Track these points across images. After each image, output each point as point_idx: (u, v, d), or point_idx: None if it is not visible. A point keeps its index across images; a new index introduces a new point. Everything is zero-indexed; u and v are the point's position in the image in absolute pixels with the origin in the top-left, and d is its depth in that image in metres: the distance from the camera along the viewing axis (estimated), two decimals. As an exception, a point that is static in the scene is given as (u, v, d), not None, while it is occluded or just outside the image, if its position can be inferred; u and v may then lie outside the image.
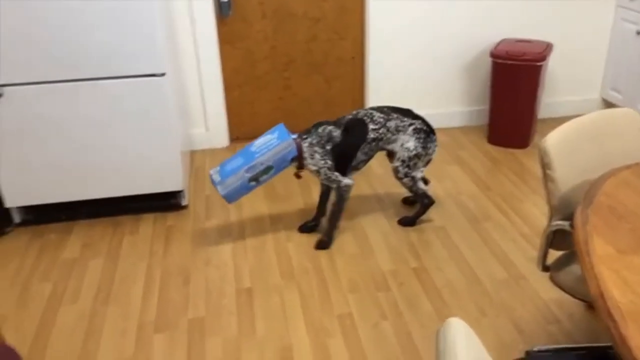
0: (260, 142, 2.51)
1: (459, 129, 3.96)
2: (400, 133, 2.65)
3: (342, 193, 2.62)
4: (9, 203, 2.83)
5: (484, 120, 3.97)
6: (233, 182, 2.49)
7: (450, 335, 0.99)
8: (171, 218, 2.99)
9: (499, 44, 3.61)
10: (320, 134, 2.54)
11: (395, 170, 2.70)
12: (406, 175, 2.70)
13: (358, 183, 3.29)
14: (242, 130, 3.85)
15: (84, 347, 2.16)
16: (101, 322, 2.28)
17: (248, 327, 2.24)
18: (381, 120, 2.62)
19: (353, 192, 3.19)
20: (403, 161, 2.67)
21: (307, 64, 3.74)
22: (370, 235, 2.80)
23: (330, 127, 2.56)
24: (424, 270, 2.55)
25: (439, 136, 3.86)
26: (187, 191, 3.12)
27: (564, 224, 1.77)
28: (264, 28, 3.59)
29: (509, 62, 3.45)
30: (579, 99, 4.08)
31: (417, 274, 2.53)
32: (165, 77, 2.73)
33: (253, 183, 2.51)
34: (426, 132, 2.69)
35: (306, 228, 2.83)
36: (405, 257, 2.64)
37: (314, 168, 2.56)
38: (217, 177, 2.50)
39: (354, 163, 2.65)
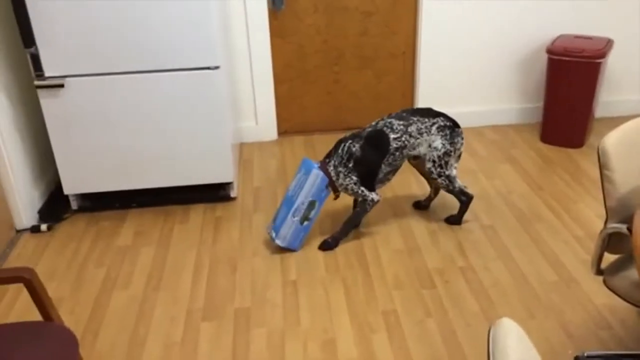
0: (293, 185, 2.60)
1: (512, 127, 3.87)
2: (425, 135, 2.59)
3: (367, 207, 2.63)
4: (67, 190, 2.95)
5: (538, 118, 3.87)
6: (287, 231, 2.57)
7: (501, 335, 0.98)
8: (220, 209, 3.05)
9: (556, 39, 3.50)
10: (340, 153, 2.53)
11: (429, 172, 2.67)
12: (440, 175, 2.66)
13: (407, 182, 3.27)
14: (290, 124, 3.88)
15: (135, 331, 2.23)
16: (151, 308, 2.35)
17: (292, 319, 2.27)
18: (401, 127, 2.57)
19: (402, 190, 3.17)
20: (434, 162, 2.63)
21: (358, 58, 3.73)
22: (417, 232, 2.78)
23: (348, 143, 2.54)
24: (471, 269, 2.51)
25: (491, 134, 3.78)
26: (236, 183, 3.17)
27: (621, 227, 1.70)
28: (316, 22, 3.60)
29: (567, 58, 3.35)
30: (639, 98, 3.91)
31: (464, 272, 2.50)
32: (219, 70, 2.78)
33: (306, 223, 2.58)
34: (450, 128, 2.63)
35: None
36: (452, 255, 2.61)
37: (342, 187, 2.58)
38: (273, 234, 2.61)
39: (380, 176, 2.62)
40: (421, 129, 2.59)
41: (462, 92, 3.81)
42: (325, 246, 2.66)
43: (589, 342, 2.09)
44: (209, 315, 2.30)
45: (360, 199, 2.61)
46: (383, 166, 2.59)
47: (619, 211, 1.73)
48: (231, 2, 3.43)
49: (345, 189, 2.58)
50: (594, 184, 3.13)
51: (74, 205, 3.03)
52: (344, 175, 2.53)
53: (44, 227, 2.87)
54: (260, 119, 3.76)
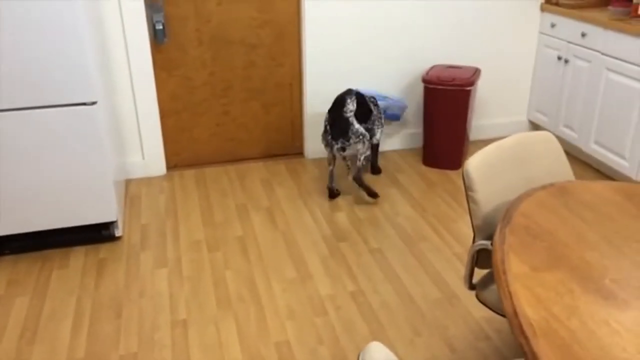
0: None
1: (396, 152, 4.05)
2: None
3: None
4: None
5: (420, 142, 4.08)
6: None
7: (371, 357, 1.01)
8: (104, 250, 2.91)
9: (430, 69, 3.74)
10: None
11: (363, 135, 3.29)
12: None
13: (299, 211, 3.30)
14: (179, 157, 3.81)
15: (7, 390, 2.06)
16: (26, 362, 2.18)
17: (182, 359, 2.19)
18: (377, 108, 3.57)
19: (294, 220, 3.20)
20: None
21: (246, 89, 3.76)
22: (309, 261, 2.81)
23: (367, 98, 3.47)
24: (361, 293, 2.58)
25: (379, 160, 3.93)
26: (121, 221, 3.05)
27: (486, 244, 1.83)
28: (201, 54, 3.59)
29: (440, 87, 3.58)
30: (507, 121, 4.26)
31: (354, 297, 2.55)
32: (96, 105, 2.68)
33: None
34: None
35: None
36: (343, 280, 2.66)
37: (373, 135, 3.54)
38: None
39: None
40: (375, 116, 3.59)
41: (348, 121, 3.95)
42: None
43: (470, 355, 2.21)
44: (92, 364, 2.18)
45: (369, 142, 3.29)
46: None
47: (484, 229, 1.86)
48: (111, 36, 3.34)
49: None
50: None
51: None
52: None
53: None
54: (147, 153, 3.66)
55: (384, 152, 4.04)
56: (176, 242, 2.98)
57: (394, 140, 4.07)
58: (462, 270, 2.73)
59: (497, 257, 1.53)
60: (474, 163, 1.89)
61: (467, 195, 1.88)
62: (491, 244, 1.80)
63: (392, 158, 3.95)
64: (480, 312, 2.43)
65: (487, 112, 4.19)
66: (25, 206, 2.75)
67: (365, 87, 3.65)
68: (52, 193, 2.76)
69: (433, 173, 3.73)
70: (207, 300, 2.53)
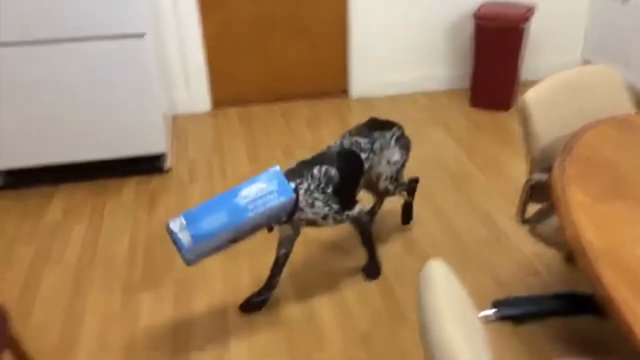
0: (253, 193, 1.83)
1: (442, 92, 3.97)
2: (385, 150, 2.28)
3: (363, 222, 2.21)
4: (-11, 167, 2.81)
5: (467, 83, 3.99)
6: (207, 247, 1.78)
7: (429, 275, 1.01)
8: (154, 181, 2.98)
9: (481, 6, 3.60)
10: (317, 176, 2.04)
11: (384, 190, 2.36)
12: (396, 187, 2.39)
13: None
14: (224, 95, 3.82)
15: (71, 305, 2.17)
16: (87, 282, 2.29)
17: (234, 283, 2.26)
18: (368, 146, 2.22)
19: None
20: (392, 178, 2.33)
21: (292, 26, 3.70)
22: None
23: (325, 167, 2.06)
24: (407, 229, 2.58)
25: (422, 100, 3.87)
26: (170, 155, 3.11)
27: (543, 177, 1.80)
28: (246, -10, 3.54)
29: (492, 24, 3.45)
30: (561, 61, 4.09)
31: (400, 232, 2.56)
32: (145, 37, 2.69)
33: (231, 244, 1.88)
34: (403, 134, 2.39)
35: (253, 305, 2.16)
36: (389, 216, 2.67)
37: (315, 217, 2.06)
38: (186, 240, 1.73)
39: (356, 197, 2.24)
40: (383, 144, 2.28)
41: (394, 60, 3.87)
42: (372, 273, 2.31)
43: (519, 289, 2.21)
44: (148, 286, 2.27)
45: (350, 222, 2.18)
46: (358, 188, 2.24)
47: (541, 162, 1.83)
48: (157, -31, 3.32)
49: (324, 219, 2.07)
50: (521, 144, 3.27)
51: (-3, 182, 2.88)
52: (323, 203, 2.03)
53: (-35, 207, 2.73)
54: (193, 90, 3.68)
55: (429, 92, 3.96)
56: (223, 176, 3.03)
57: (439, 80, 3.98)
58: (511, 210, 2.70)
59: (557, 187, 1.50)
60: (533, 94, 1.83)
61: (523, 128, 1.84)
62: (549, 177, 1.77)
63: (438, 98, 3.88)
64: (530, 249, 2.41)
65: (539, 51, 4.03)
66: (79, 137, 2.82)
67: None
68: (105, 124, 2.82)
69: (481, 114, 3.65)
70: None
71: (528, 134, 1.82)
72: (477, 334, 0.96)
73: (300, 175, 2.02)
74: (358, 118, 3.63)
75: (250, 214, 1.79)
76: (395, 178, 2.36)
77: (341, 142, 2.22)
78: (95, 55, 2.66)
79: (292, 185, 1.95)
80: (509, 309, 1.22)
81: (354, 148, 2.19)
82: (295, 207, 1.96)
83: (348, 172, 2.12)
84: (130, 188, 2.92)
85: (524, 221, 1.93)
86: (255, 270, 2.34)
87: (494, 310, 1.23)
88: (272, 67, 3.81)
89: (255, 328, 2.07)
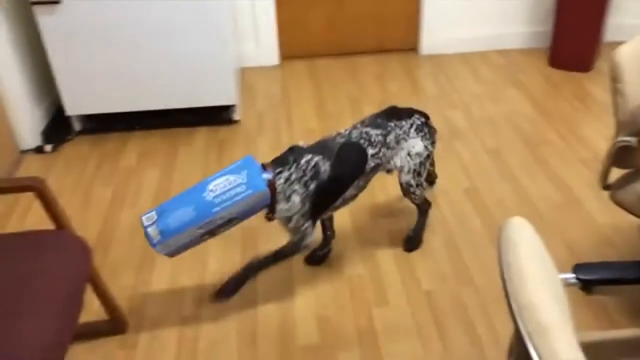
0: (220, 186, 1.72)
1: (519, 51, 3.79)
2: (402, 142, 2.01)
3: (298, 249, 1.95)
4: (68, 111, 2.92)
5: (546, 42, 3.78)
6: (178, 241, 1.72)
7: (512, 231, 0.98)
8: (223, 132, 3.03)
9: (569, -42, 3.37)
10: (304, 167, 1.82)
11: (407, 186, 2.06)
12: (418, 185, 2.07)
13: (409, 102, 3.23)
14: (292, 48, 3.79)
15: (146, 246, 2.26)
16: (159, 226, 2.38)
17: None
18: (380, 139, 1.96)
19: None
20: (415, 171, 2.04)
21: (362, -21, 3.61)
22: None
23: (317, 159, 1.84)
24: (475, 190, 2.53)
25: (497, 58, 3.71)
26: (239, 106, 3.14)
27: (631, 140, 1.70)
28: (319, -61, 3.45)
29: (579, -22, 3.24)
30: (651, 22, 3.82)
31: (468, 193, 2.51)
32: (219, -14, 2.69)
33: (207, 237, 1.78)
34: (426, 123, 2.08)
35: (317, 259, 2.17)
36: (457, 176, 2.62)
37: (287, 214, 1.85)
38: (154, 234, 1.69)
39: (337, 202, 1.96)
40: (399, 135, 2.00)
41: (468, 15, 3.71)
42: (222, 294, 1.98)
43: (591, 258, 2.14)
44: (216, 232, 2.33)
45: (295, 237, 1.91)
46: (350, 189, 1.95)
47: (629, 125, 1.72)
48: None
49: (288, 219, 1.86)
50: (602, 108, 3.10)
51: (76, 126, 3.00)
52: (299, 197, 1.82)
53: (48, 147, 2.87)
54: (262, 42, 3.68)
55: (506, 51, 3.79)
56: (290, 129, 3.04)
57: (516, 38, 3.80)
58: (587, 175, 2.59)
59: (648, 151, 1.42)
60: (626, 51, 1.72)
61: (613, 87, 1.73)
62: (638, 141, 1.67)
63: (514, 57, 3.71)
64: (606, 219, 2.31)
65: (625, 11, 3.76)
66: (153, 86, 2.89)
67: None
68: (177, 74, 2.87)
69: (559, 75, 3.47)
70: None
71: (617, 94, 1.71)
72: (560, 296, 0.93)
73: (285, 163, 1.82)
74: (426, 74, 3.54)
75: (217, 209, 1.69)
76: (419, 172, 2.05)
77: (349, 133, 1.95)
78: (173, 7, 2.69)
79: (268, 175, 1.77)
80: (590, 273, 1.17)
81: (362, 141, 1.93)
82: (274, 199, 1.78)
83: (342, 168, 1.88)
84: (201, 137, 2.99)
85: (606, 187, 1.84)
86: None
87: (573, 274, 1.19)
88: (341, 20, 3.73)
89: (319, 280, 2.10)
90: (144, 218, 1.72)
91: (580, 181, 2.55)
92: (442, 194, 2.50)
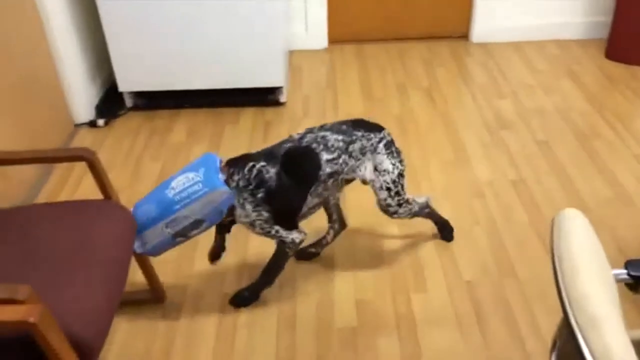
0: (180, 184, 1.71)
1: (575, 41, 3.67)
2: (368, 154, 1.88)
3: (286, 250, 1.88)
4: (121, 88, 3.00)
5: (604, 33, 3.65)
6: (152, 239, 1.74)
7: (566, 221, 0.97)
8: (269, 113, 3.05)
9: (634, -55, 3.23)
10: (247, 176, 1.75)
11: (386, 206, 1.94)
12: (400, 204, 1.94)
13: (457, 90, 3.18)
14: (340, 32, 3.77)
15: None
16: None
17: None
18: (341, 145, 1.83)
19: (451, 101, 3.09)
20: (389, 189, 1.90)
21: (416, -37, 3.55)
22: (468, 145, 2.74)
23: (259, 166, 1.75)
24: (522, 182, 2.48)
25: (552, 48, 3.61)
26: (286, 88, 3.15)
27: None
28: None
29: (644, -34, 3.10)
30: None
31: (515, 185, 2.47)
32: (272, -33, 2.69)
33: (180, 239, 1.77)
34: (393, 142, 1.95)
35: (306, 255, 2.13)
36: (503, 167, 2.57)
37: (246, 220, 1.80)
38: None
39: (304, 210, 1.87)
40: (365, 147, 1.87)
41: (523, 2, 3.61)
42: (240, 301, 1.97)
43: (641, 257, 2.07)
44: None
45: (275, 240, 1.87)
46: (309, 198, 1.85)
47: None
48: None
49: (251, 225, 1.81)
50: (660, 103, 2.99)
51: (128, 102, 3.08)
52: (251, 205, 1.76)
53: (100, 122, 2.95)
54: (311, 25, 3.67)
55: (560, 41, 3.67)
56: (335, 113, 3.04)
57: (573, 28, 3.68)
58: (641, 172, 2.50)
59: None
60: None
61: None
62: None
63: (570, 47, 3.60)
64: (658, 217, 2.24)
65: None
66: (202, 65, 2.93)
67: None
68: (227, 55, 2.90)
69: (617, 67, 3.35)
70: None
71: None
72: (613, 291, 0.91)
73: (237, 166, 1.76)
74: (476, 62, 3.47)
75: (177, 207, 1.67)
76: (396, 191, 1.91)
77: (301, 137, 1.84)
78: (224, -17, 2.71)
79: (223, 177, 1.71)
80: (643, 271, 1.14)
81: (315, 144, 1.80)
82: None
83: (292, 176, 1.77)
84: (247, 117, 3.02)
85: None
86: (355, 206, 2.36)
87: (624, 269, 1.16)
88: (391, 5, 3.69)
89: (359, 265, 2.11)
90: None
91: (632, 177, 2.47)
92: (488, 185, 2.47)
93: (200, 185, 1.68)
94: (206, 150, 2.75)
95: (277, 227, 1.82)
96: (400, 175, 1.92)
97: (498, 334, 1.84)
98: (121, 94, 3.04)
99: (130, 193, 2.48)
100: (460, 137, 2.79)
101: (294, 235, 1.85)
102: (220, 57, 2.91)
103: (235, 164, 1.77)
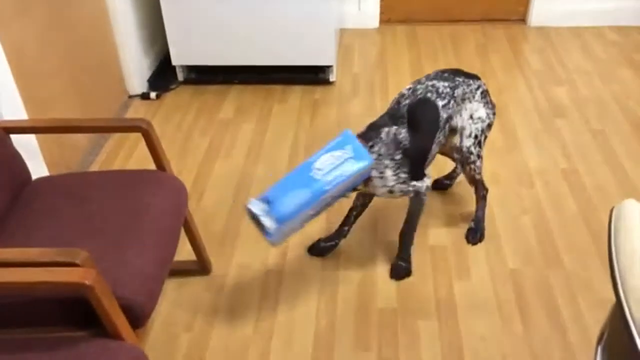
0: (327, 164, 1.67)
1: (635, 28, 3.51)
2: (467, 101, 1.93)
3: (423, 200, 1.92)
4: (174, 61, 3.05)
5: (670, 20, 3.48)
6: (291, 226, 1.68)
7: (627, 213, 0.94)
8: (319, 91, 3.06)
9: None
10: (386, 141, 1.78)
11: (467, 152, 1.96)
12: (479, 155, 1.98)
13: (511, 75, 3.10)
14: (393, 12, 3.72)
15: (236, 195, 2.36)
16: (252, 177, 2.46)
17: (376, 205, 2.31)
18: (448, 91, 1.88)
19: (504, 87, 3.02)
20: (476, 137, 1.94)
21: (473, -58, 3.45)
22: (520, 132, 2.68)
23: (393, 129, 1.79)
24: (574, 172, 2.41)
25: (612, 35, 3.47)
26: (336, 67, 3.14)
27: None
28: None
29: None
30: None
31: (566, 175, 2.40)
32: (327, -56, 2.67)
33: (313, 218, 1.74)
34: (488, 92, 2.01)
35: (319, 249, 2.12)
36: (555, 156, 2.51)
37: (384, 189, 1.84)
38: (269, 224, 1.61)
39: (428, 159, 1.93)
40: (466, 93, 1.93)
41: (586, -14, 3.48)
42: (400, 272, 2.01)
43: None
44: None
45: (412, 195, 1.90)
46: (434, 146, 1.90)
47: None
48: None
49: (390, 192, 1.85)
50: None
51: (180, 76, 3.14)
52: (392, 170, 1.79)
53: (153, 95, 3.02)
54: (363, 4, 3.63)
55: (621, 27, 3.52)
56: (384, 93, 3.01)
57: (634, 14, 3.51)
58: (702, 167, 2.40)
59: None
60: None
61: None
62: None
63: (630, 34, 3.45)
64: None
65: None
66: (254, 42, 2.94)
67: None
68: (279, 32, 2.91)
69: (682, 57, 3.20)
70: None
71: None
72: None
73: (371, 138, 1.78)
74: (532, 47, 3.37)
75: (329, 187, 1.63)
76: (479, 140, 1.96)
77: (413, 90, 1.88)
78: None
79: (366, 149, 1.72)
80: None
81: (430, 95, 1.86)
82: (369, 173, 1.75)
83: (421, 129, 1.82)
84: (296, 95, 3.03)
85: None
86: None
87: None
88: (447, -15, 3.61)
89: (402, 245, 2.11)
90: (253, 208, 1.62)
91: (694, 173, 2.37)
92: (538, 173, 2.41)
93: (353, 161, 1.66)
94: (254, 128, 2.78)
95: (412, 183, 1.85)
96: (489, 126, 1.98)
97: (539, 323, 1.81)
98: (174, 67, 3.10)
99: (178, 166, 2.54)
100: (512, 124, 2.73)
101: (427, 182, 1.89)
102: (273, 35, 2.92)
103: (368, 136, 1.78)
